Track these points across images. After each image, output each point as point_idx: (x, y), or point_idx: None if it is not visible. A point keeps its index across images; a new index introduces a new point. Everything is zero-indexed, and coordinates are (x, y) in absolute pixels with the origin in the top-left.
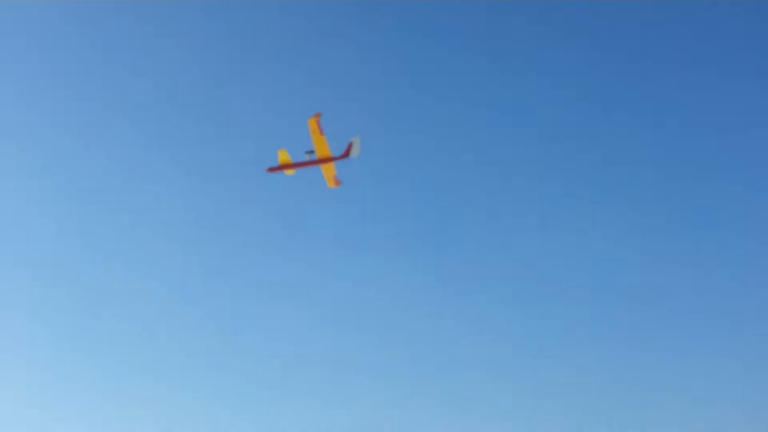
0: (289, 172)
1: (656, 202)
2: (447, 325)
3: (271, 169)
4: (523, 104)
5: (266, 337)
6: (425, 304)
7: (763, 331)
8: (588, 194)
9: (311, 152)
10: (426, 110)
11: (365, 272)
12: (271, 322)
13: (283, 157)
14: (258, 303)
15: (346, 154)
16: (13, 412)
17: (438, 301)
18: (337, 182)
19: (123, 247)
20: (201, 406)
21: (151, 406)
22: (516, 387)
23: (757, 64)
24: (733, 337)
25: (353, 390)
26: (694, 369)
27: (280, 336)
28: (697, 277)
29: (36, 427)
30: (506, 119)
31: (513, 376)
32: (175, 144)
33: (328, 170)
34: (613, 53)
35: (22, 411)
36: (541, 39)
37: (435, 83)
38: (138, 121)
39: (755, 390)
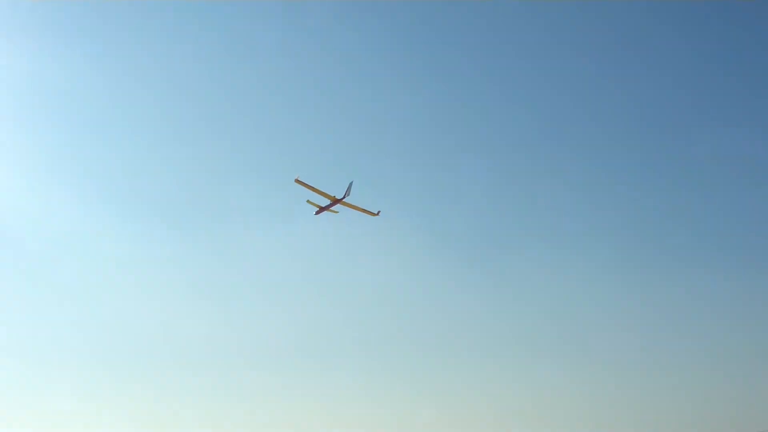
0: (333, 211)
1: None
2: None
3: (317, 212)
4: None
5: None
6: None
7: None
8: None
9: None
10: None
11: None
12: None
13: (312, 203)
14: None
15: (346, 194)
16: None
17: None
18: (373, 213)
19: None
20: None
21: None
22: None
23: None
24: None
25: None
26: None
27: None
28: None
29: None
30: None
31: None
32: None
33: (353, 207)
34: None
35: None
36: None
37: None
38: None
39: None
